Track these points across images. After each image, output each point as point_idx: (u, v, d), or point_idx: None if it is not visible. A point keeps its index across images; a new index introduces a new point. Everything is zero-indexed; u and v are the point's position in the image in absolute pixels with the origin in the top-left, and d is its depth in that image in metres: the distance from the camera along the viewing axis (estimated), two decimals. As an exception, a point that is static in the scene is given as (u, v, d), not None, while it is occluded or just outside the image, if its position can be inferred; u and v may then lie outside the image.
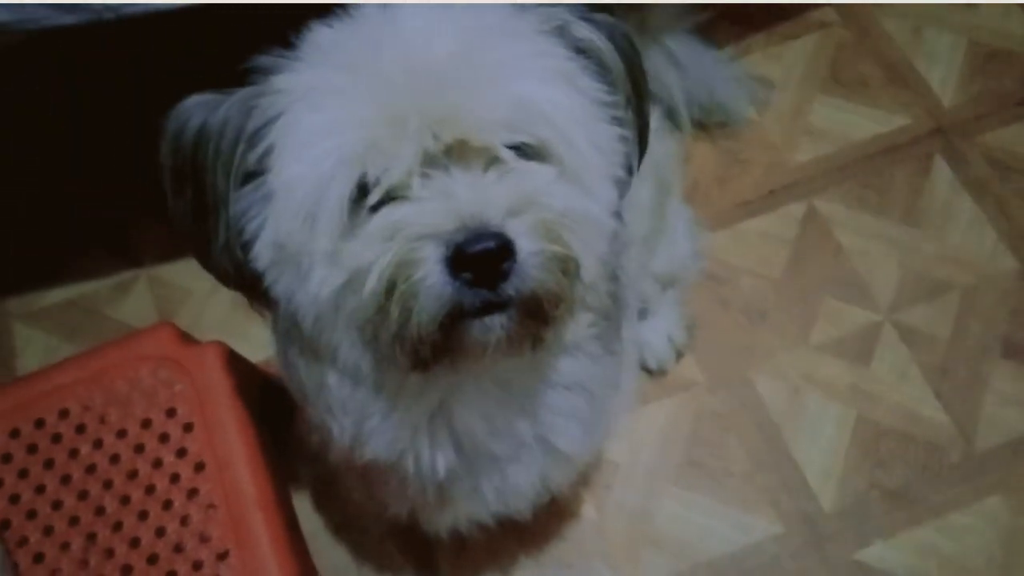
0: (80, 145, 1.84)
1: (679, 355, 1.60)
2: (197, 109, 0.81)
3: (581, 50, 0.83)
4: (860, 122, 1.79)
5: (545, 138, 0.77)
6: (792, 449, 1.52)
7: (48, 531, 1.09)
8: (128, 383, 1.16)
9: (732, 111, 1.74)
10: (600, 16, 0.85)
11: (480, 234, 0.71)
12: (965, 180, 1.72)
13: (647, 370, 1.59)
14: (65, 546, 1.08)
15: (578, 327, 0.91)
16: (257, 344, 1.10)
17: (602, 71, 0.84)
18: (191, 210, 0.83)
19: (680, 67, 1.61)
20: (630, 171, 0.89)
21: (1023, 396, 1.54)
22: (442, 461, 0.96)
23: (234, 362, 1.21)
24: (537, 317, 0.78)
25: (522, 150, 0.77)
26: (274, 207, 0.78)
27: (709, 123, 1.75)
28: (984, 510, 1.46)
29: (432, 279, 0.72)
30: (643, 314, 1.54)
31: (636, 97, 0.87)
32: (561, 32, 0.82)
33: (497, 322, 0.76)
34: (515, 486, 1.05)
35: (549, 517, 1.45)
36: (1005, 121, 1.77)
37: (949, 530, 1.45)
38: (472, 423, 0.94)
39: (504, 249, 0.72)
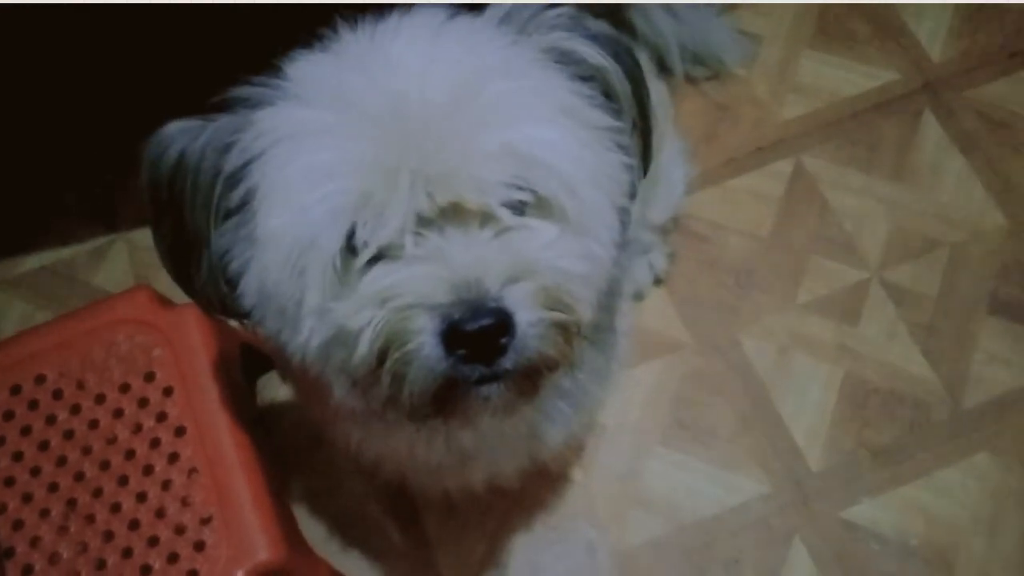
0: (54, 111, 1.80)
1: (658, 281, 1.60)
2: (176, 138, 0.75)
3: (585, 76, 0.78)
4: (848, 77, 1.77)
5: (545, 192, 0.72)
6: (779, 409, 1.51)
7: (27, 498, 1.08)
8: (105, 348, 1.14)
9: (723, 63, 1.71)
10: (602, 30, 0.80)
11: (477, 309, 0.67)
12: (954, 135, 1.70)
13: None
14: (45, 512, 1.07)
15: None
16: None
17: (607, 95, 0.79)
18: (172, 241, 0.79)
19: (676, 16, 1.57)
20: (633, 196, 0.84)
21: (1010, 353, 1.53)
22: (435, 457, 0.97)
23: (213, 324, 1.19)
24: (535, 379, 0.76)
25: (520, 204, 0.73)
26: (259, 254, 0.73)
27: (698, 76, 1.73)
28: (971, 467, 1.46)
29: (426, 352, 0.69)
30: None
31: (641, 118, 0.83)
32: (563, 57, 0.77)
33: (493, 391, 0.73)
34: (504, 466, 1.05)
35: (536, 480, 1.44)
36: (994, 75, 1.75)
37: (936, 488, 1.45)
38: (465, 434, 0.94)
39: (502, 326, 0.68)
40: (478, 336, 0.68)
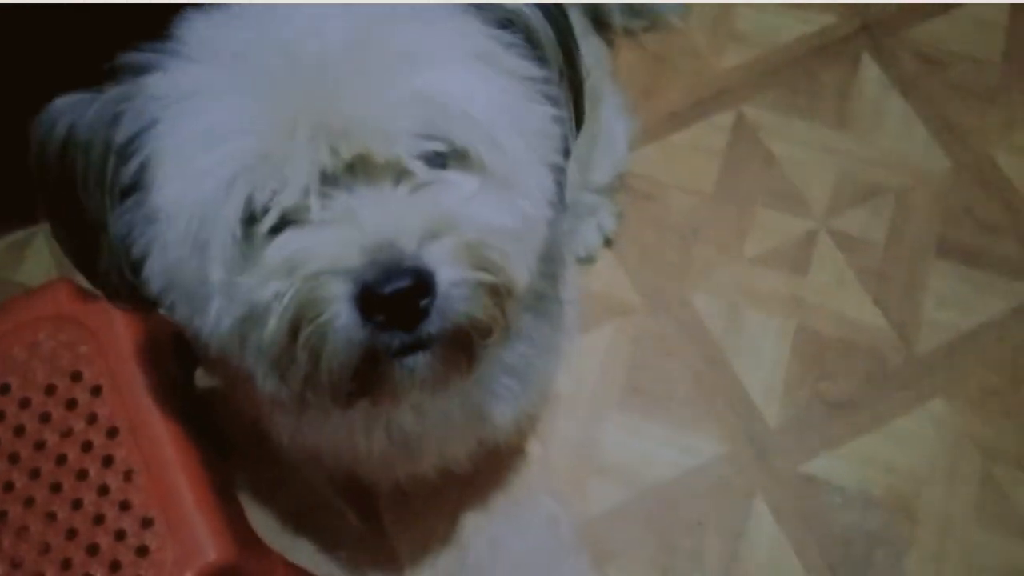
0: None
1: (607, 242, 1.56)
2: (64, 113, 0.69)
3: (504, 22, 0.72)
4: (786, 23, 1.74)
5: (462, 142, 0.66)
6: (734, 367, 1.49)
7: (-49, 514, 1.01)
8: (26, 348, 1.07)
9: (660, 13, 1.67)
10: None
11: (392, 270, 0.62)
12: (894, 78, 1.68)
13: (577, 259, 1.54)
14: (-29, 529, 1.01)
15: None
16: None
17: (530, 44, 0.73)
18: (69, 227, 0.73)
19: None
20: (567, 153, 0.79)
21: (960, 295, 1.53)
22: (376, 446, 0.91)
23: (144, 316, 1.13)
24: (466, 348, 0.70)
25: (436, 157, 0.67)
26: (158, 231, 0.68)
27: (635, 28, 1.69)
28: (928, 414, 1.45)
29: (341, 321, 0.63)
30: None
31: (568, 67, 0.76)
32: (480, 6, 0.71)
33: (420, 361, 0.67)
34: (453, 450, 1.02)
35: (491, 458, 1.41)
36: (930, 14, 1.73)
37: (894, 436, 1.44)
38: (403, 418, 0.89)
39: (421, 286, 0.63)
40: (395, 299, 0.62)
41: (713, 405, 1.47)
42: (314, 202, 0.64)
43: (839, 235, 1.57)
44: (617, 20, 1.62)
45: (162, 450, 1.04)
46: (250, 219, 0.65)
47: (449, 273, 0.64)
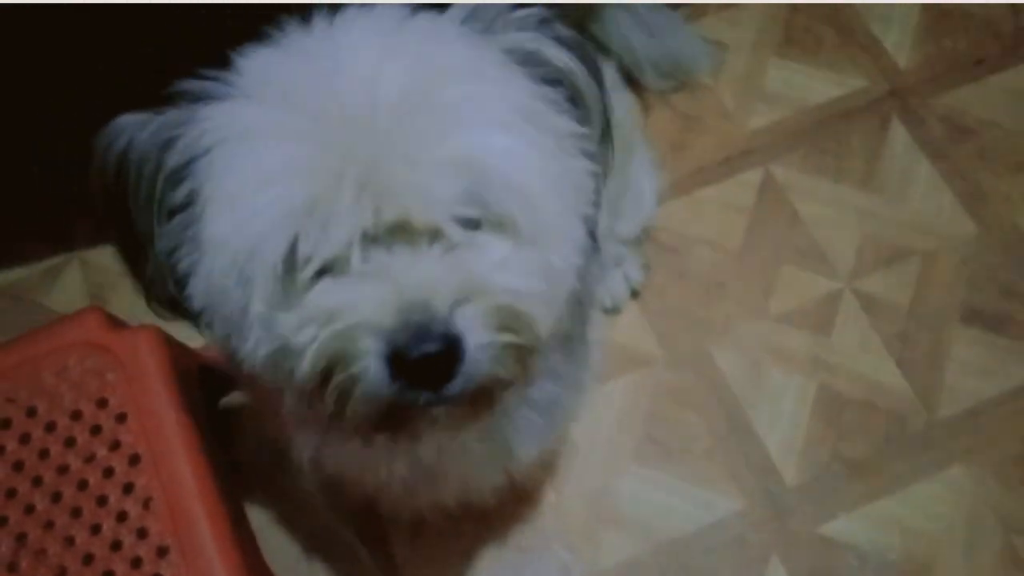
0: (6, 131, 1.76)
1: (634, 293, 1.58)
2: (125, 129, 0.73)
3: (552, 80, 0.75)
4: (815, 85, 1.76)
5: (498, 209, 0.69)
6: (753, 423, 1.49)
7: (-28, 533, 1.03)
8: (55, 373, 1.09)
9: (690, 72, 1.69)
10: (569, 35, 0.76)
11: (424, 334, 0.64)
12: (922, 142, 1.69)
13: (603, 309, 1.56)
14: (-8, 549, 1.02)
15: (542, 359, 0.86)
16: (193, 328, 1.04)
17: (574, 101, 0.76)
18: (122, 233, 0.77)
19: (644, 25, 1.54)
20: (598, 203, 0.81)
21: (983, 363, 1.52)
22: (398, 473, 0.93)
23: (169, 347, 1.15)
24: (486, 400, 0.73)
25: (471, 221, 0.69)
26: (205, 259, 0.71)
27: (665, 87, 1.70)
28: (947, 479, 1.44)
29: (370, 375, 0.66)
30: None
31: (606, 121, 0.79)
32: (527, 58, 0.74)
33: (440, 412, 0.70)
34: (476, 484, 1.03)
35: (507, 501, 1.41)
36: (960, 81, 1.74)
37: (912, 501, 1.43)
38: (424, 450, 0.91)
39: (450, 352, 0.66)
40: (424, 362, 0.65)
41: (731, 461, 1.47)
42: (355, 256, 0.67)
43: (864, 296, 1.58)
44: (648, 81, 1.64)
45: (182, 480, 1.05)
46: (292, 261, 0.68)
47: (477, 338, 0.67)
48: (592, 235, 0.81)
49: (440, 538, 1.42)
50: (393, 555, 1.42)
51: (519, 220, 0.69)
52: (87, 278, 1.64)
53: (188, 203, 0.72)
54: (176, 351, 1.16)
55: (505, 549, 1.42)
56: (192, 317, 0.77)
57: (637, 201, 1.46)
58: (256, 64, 0.73)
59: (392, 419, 0.70)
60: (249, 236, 0.67)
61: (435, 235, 0.68)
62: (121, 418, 1.07)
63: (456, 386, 0.67)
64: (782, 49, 1.80)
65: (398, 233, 0.68)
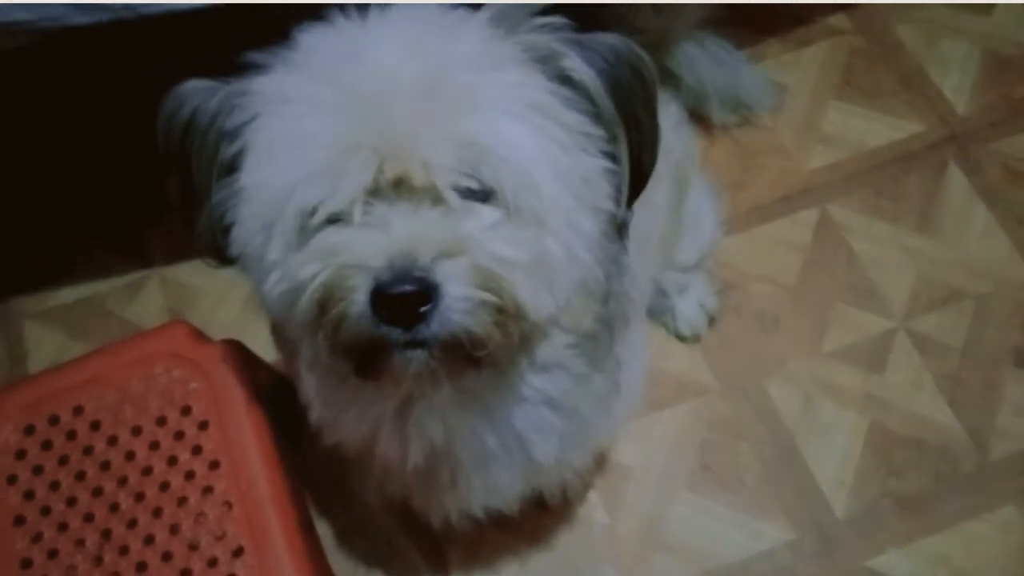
0: (92, 144, 1.84)
1: (711, 321, 1.62)
2: (191, 96, 0.83)
3: (564, 79, 0.80)
4: (874, 129, 1.79)
5: (491, 183, 0.75)
6: (805, 456, 1.51)
7: (62, 527, 1.09)
8: (143, 381, 1.16)
9: (752, 110, 1.74)
10: (597, 41, 0.82)
11: (403, 276, 0.72)
12: (979, 188, 1.71)
13: (681, 337, 1.61)
14: (80, 542, 1.08)
15: (552, 347, 0.92)
16: (269, 344, 1.10)
17: (589, 103, 0.81)
18: (179, 192, 0.87)
19: (712, 58, 1.60)
20: (619, 202, 0.86)
21: (1036, 405, 1.54)
22: (407, 455, 0.98)
23: (249, 361, 1.21)
24: (462, 356, 0.78)
25: (472, 192, 0.76)
26: (240, 208, 0.80)
27: (727, 122, 1.75)
28: (997, 519, 1.45)
29: (356, 308, 0.74)
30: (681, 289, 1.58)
31: (630, 131, 0.84)
32: (546, 61, 0.80)
33: (416, 356, 0.76)
34: (497, 483, 1.06)
35: (558, 521, 1.45)
36: (1019, 128, 1.77)
37: (962, 539, 1.44)
38: (431, 427, 0.95)
39: (423, 294, 0.72)
40: (399, 300, 0.72)
41: (782, 492, 1.49)
42: (357, 210, 0.75)
43: (917, 336, 1.60)
44: (713, 112, 1.69)
45: (258, 486, 1.11)
46: (308, 214, 0.76)
47: (454, 288, 0.73)
48: (619, 234, 0.89)
49: (495, 553, 1.46)
50: (448, 568, 1.46)
51: (513, 196, 0.76)
52: (166, 293, 1.71)
53: (237, 162, 0.81)
54: (255, 365, 1.22)
55: (557, 567, 1.45)
56: (232, 262, 0.87)
57: (697, 229, 1.50)
58: (309, 41, 0.81)
59: (375, 357, 0.77)
60: (274, 190, 0.75)
61: (436, 200, 0.75)
62: (203, 425, 1.14)
63: (427, 329, 0.74)
64: (841, 92, 1.83)
65: (403, 192, 0.75)
